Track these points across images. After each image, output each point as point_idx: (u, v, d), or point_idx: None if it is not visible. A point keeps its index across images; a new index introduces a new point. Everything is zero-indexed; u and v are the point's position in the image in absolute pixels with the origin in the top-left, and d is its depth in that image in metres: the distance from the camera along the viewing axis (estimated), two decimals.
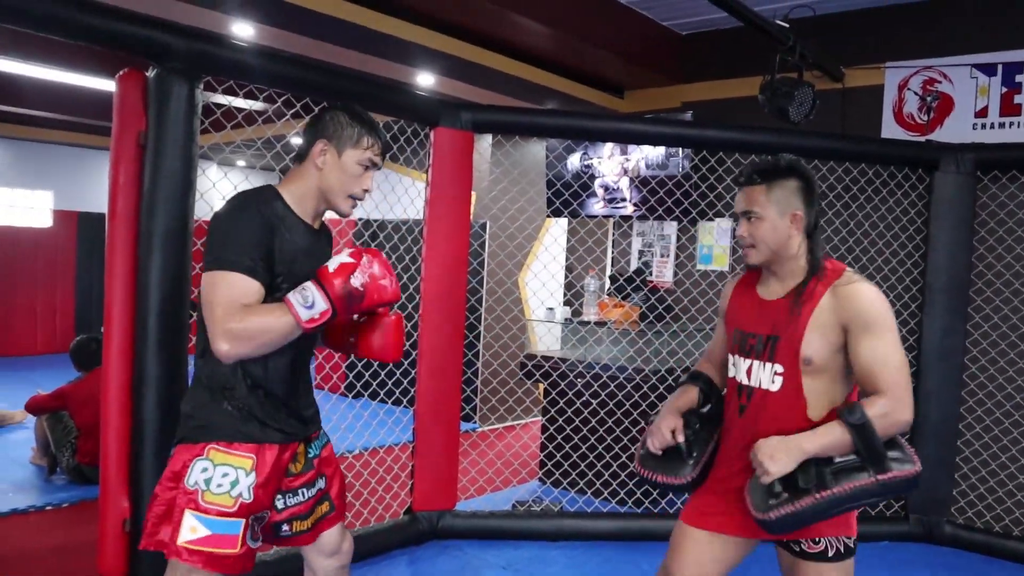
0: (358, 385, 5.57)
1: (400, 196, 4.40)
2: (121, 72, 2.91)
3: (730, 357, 2.17)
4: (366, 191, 2.02)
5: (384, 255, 1.91)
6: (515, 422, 7.07)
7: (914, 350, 4.42)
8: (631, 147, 5.19)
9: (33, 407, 4.79)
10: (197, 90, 2.93)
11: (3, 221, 9.59)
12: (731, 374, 2.16)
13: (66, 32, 2.77)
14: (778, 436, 1.88)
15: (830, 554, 1.97)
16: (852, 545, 2.00)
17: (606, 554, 3.97)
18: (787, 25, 4.17)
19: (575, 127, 4.24)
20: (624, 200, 5.27)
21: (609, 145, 5.30)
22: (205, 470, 1.88)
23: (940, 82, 4.61)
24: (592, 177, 5.38)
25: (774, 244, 2.01)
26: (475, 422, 6.80)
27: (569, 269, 6.19)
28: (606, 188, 5.34)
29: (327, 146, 1.97)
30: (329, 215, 2.13)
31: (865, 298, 1.93)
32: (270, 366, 1.96)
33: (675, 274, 5.34)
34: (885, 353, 1.87)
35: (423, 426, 3.93)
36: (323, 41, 4.68)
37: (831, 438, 1.82)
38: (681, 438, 2.12)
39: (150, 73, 2.89)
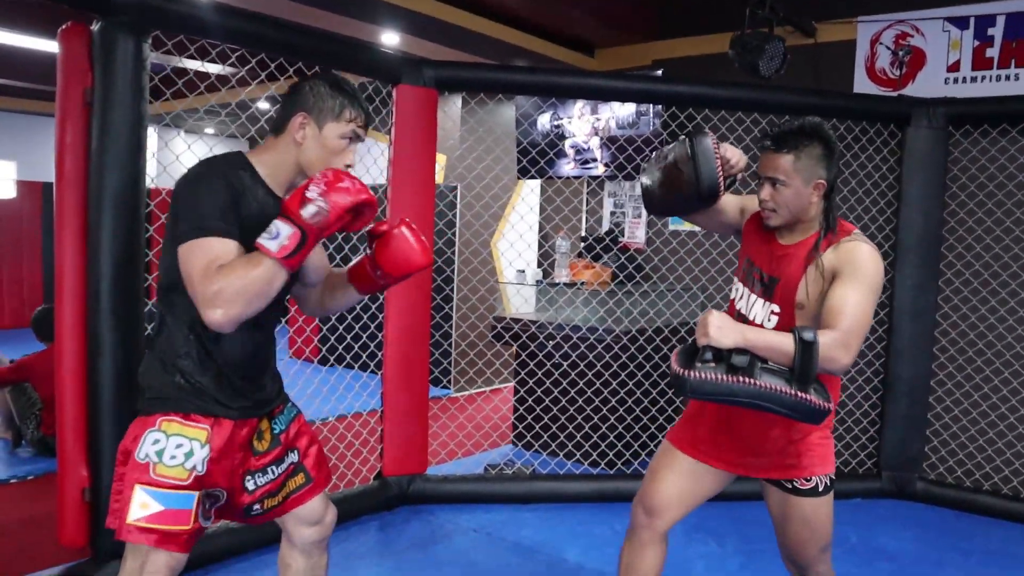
0: (323, 350, 5.49)
1: (375, 160, 4.25)
2: (64, 26, 2.79)
3: (735, 280, 2.29)
4: (349, 166, 1.90)
5: (340, 170, 1.77)
6: (490, 387, 7.05)
7: (886, 307, 4.42)
8: (601, 106, 5.11)
9: None
10: (145, 45, 2.83)
11: None
12: (734, 297, 2.27)
13: None
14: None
15: (820, 488, 2.16)
16: (834, 479, 2.20)
17: (579, 515, 3.96)
18: None
19: (541, 83, 4.15)
20: (595, 160, 5.20)
21: (579, 105, 5.22)
22: (157, 442, 1.79)
23: (912, 36, 4.56)
24: (562, 137, 5.31)
25: (796, 210, 2.09)
26: (449, 388, 6.77)
27: (542, 231, 6.13)
28: (576, 148, 5.27)
29: (307, 119, 1.85)
30: None
31: (861, 253, 2.01)
32: (224, 340, 1.87)
33: (647, 235, 5.29)
34: (856, 302, 1.93)
35: (391, 390, 3.88)
36: None
37: (776, 342, 1.85)
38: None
39: (95, 27, 2.77)
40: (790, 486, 2.16)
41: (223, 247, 1.71)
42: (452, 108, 7.02)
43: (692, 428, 2.28)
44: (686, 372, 1.82)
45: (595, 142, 5.17)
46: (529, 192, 7.00)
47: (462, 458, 4.90)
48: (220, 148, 9.40)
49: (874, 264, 2.00)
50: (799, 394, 1.81)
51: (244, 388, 1.93)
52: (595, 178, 5.35)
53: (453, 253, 6.67)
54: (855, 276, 1.97)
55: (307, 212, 1.67)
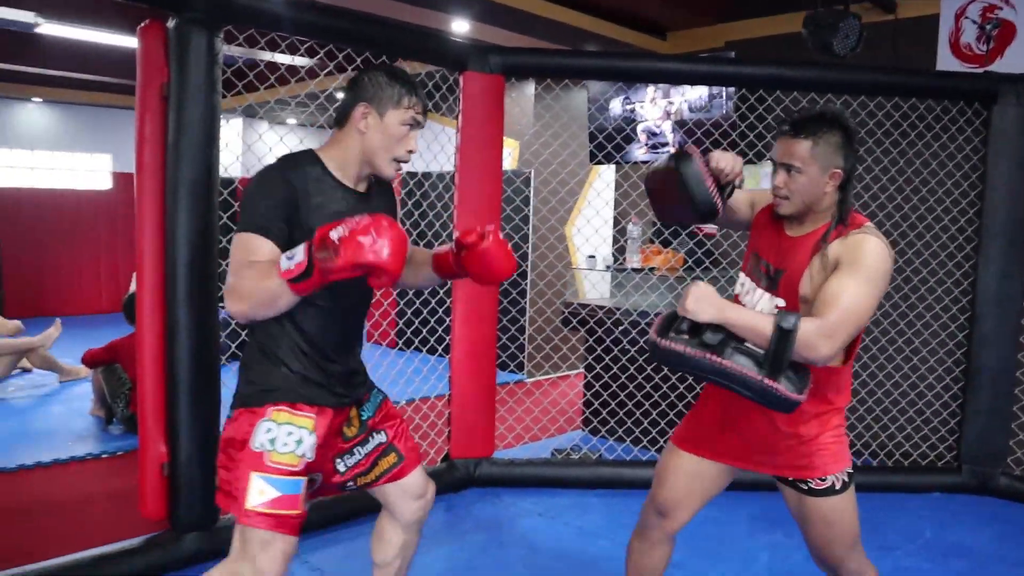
0: (392, 334, 5.59)
1: (443, 146, 4.29)
2: (142, 24, 2.93)
3: (741, 275, 2.22)
4: (411, 152, 1.98)
5: (391, 223, 1.66)
6: (564, 373, 7.06)
7: (968, 294, 4.25)
8: (673, 90, 5.04)
9: (88, 360, 4.98)
10: (217, 39, 2.93)
11: (66, 185, 9.86)
12: (738, 292, 2.21)
13: None
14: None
15: (838, 487, 2.08)
16: (851, 474, 2.12)
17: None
18: None
19: (608, 67, 4.13)
20: (667, 144, 5.14)
21: (651, 89, 5.16)
22: (269, 431, 1.89)
23: (1001, 8, 4.35)
24: (634, 122, 5.26)
25: (809, 198, 2.01)
26: (521, 373, 6.83)
27: (617, 221, 6.09)
28: (648, 133, 5.21)
29: (368, 109, 1.93)
30: None
31: (866, 245, 1.93)
32: (318, 331, 1.97)
33: None
34: (849, 294, 1.86)
35: (459, 376, 3.95)
36: None
37: (753, 324, 1.82)
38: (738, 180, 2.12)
39: (170, 24, 2.89)
40: (805, 487, 2.09)
41: (258, 245, 1.80)
42: (524, 94, 7.04)
43: (694, 425, 2.26)
44: (658, 339, 1.83)
45: (667, 126, 5.11)
46: (607, 181, 6.96)
47: (530, 443, 4.94)
48: (310, 139, 9.64)
49: (879, 258, 1.91)
50: (766, 380, 1.78)
51: (339, 376, 2.03)
52: None
53: (523, 239, 6.70)
54: (856, 267, 1.89)
55: (321, 246, 1.64)
